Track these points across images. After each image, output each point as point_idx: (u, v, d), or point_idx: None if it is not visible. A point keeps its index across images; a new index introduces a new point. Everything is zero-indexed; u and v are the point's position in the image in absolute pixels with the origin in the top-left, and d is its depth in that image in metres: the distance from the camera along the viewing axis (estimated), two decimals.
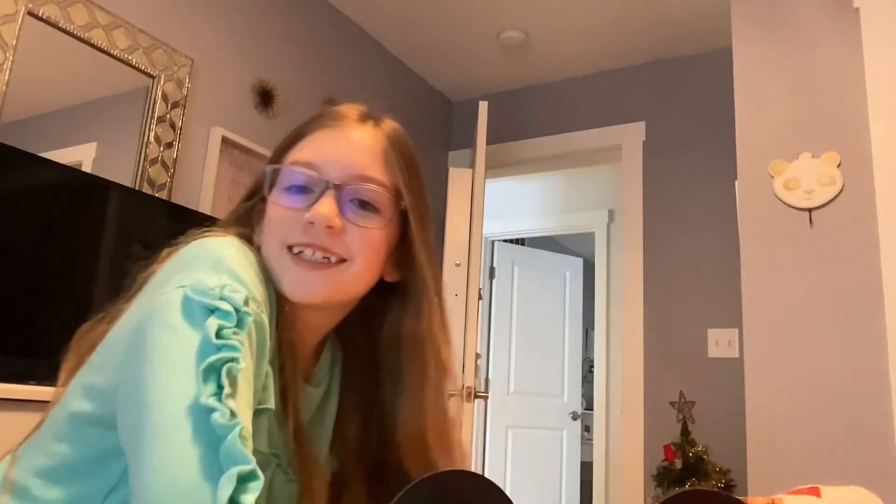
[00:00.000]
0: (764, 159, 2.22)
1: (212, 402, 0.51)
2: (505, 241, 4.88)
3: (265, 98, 2.65)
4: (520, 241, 5.19)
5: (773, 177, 2.19)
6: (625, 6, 2.91)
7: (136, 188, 2.13)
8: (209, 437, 0.50)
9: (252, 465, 0.49)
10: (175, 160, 2.26)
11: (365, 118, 0.77)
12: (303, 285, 0.69)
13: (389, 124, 0.79)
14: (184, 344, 0.55)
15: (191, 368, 0.53)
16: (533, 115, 3.57)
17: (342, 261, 0.71)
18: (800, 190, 2.14)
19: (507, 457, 4.54)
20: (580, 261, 5.03)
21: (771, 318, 2.12)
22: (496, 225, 4.69)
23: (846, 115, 2.13)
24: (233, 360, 0.54)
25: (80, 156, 2.03)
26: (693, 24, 2.99)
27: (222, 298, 0.58)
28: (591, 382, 4.56)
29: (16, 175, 1.69)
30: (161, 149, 2.23)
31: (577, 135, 3.42)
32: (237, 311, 0.58)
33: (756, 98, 2.30)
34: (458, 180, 3.30)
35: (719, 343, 2.88)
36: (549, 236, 5.25)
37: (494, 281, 4.70)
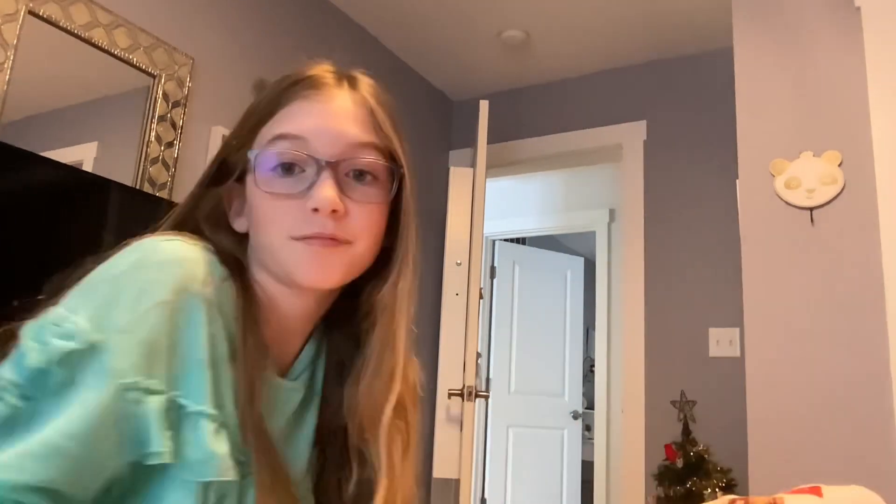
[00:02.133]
0: (765, 158, 2.22)
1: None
2: (506, 240, 4.88)
3: None
4: (520, 241, 5.19)
5: (774, 176, 2.19)
6: (625, 5, 2.90)
7: (137, 187, 2.13)
8: None
9: None
10: (176, 159, 2.26)
11: (340, 80, 0.72)
12: (318, 271, 0.66)
13: (367, 83, 0.74)
14: None
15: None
16: (534, 114, 3.57)
17: (347, 242, 0.67)
18: (801, 189, 2.14)
19: (508, 456, 4.54)
20: (581, 260, 5.03)
21: (772, 318, 2.12)
22: (497, 224, 4.69)
23: (847, 113, 2.13)
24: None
25: (81, 155, 2.03)
26: (694, 23, 2.99)
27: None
28: (592, 382, 4.56)
29: (16, 174, 1.69)
30: (162, 148, 2.23)
31: (578, 134, 3.42)
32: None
33: (757, 97, 2.29)
34: (458, 179, 3.30)
35: (720, 342, 2.88)
36: (549, 235, 5.25)
37: (495, 280, 4.70)
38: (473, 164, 3.23)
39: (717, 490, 2.40)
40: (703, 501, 2.40)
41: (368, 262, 0.71)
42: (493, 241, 4.76)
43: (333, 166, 0.66)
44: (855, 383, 1.96)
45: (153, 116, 2.21)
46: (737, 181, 2.34)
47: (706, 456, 2.54)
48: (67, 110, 2.03)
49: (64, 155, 1.95)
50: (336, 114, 0.69)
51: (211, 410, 0.59)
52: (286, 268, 0.67)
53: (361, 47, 3.19)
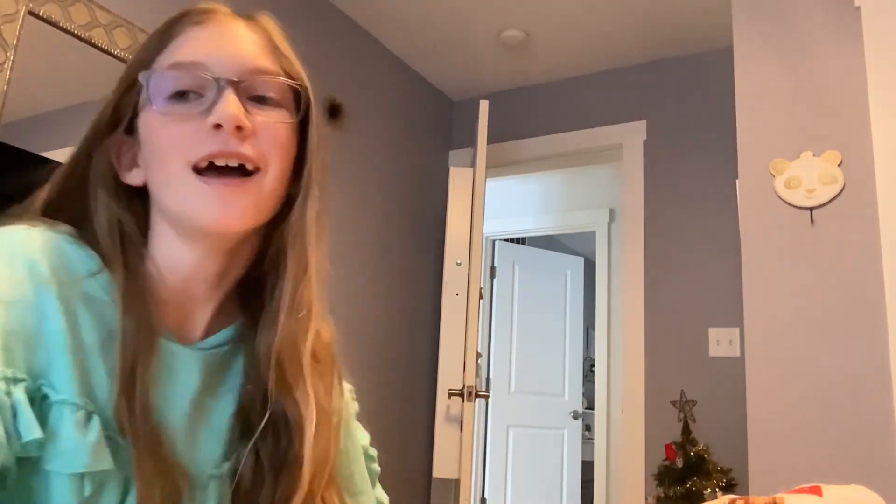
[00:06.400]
0: (765, 158, 2.22)
1: None
2: (506, 240, 4.88)
3: None
4: (520, 241, 5.19)
5: (773, 175, 2.19)
6: (625, 5, 2.90)
7: None
8: None
9: None
10: None
11: (236, 15, 0.68)
12: (224, 209, 0.60)
13: (264, 16, 0.71)
14: None
15: None
16: (533, 114, 3.57)
17: (256, 169, 0.62)
18: (801, 188, 2.14)
19: (508, 456, 4.54)
20: (581, 260, 5.03)
21: (772, 317, 2.12)
22: (497, 224, 4.69)
23: (847, 113, 2.13)
24: None
25: None
26: (694, 22, 2.99)
27: None
28: (592, 381, 4.56)
29: (17, 175, 1.69)
30: None
31: (578, 134, 3.42)
32: None
33: (757, 97, 2.29)
34: (458, 179, 3.30)
35: (720, 342, 2.88)
36: (549, 235, 5.25)
37: (495, 280, 4.70)
38: (473, 164, 3.23)
39: (717, 490, 2.41)
40: (703, 501, 2.40)
41: (277, 200, 0.65)
42: (493, 241, 4.76)
43: (235, 85, 0.62)
44: (855, 383, 1.96)
45: None
46: (737, 181, 2.34)
47: (706, 456, 2.54)
48: (68, 110, 2.03)
49: (64, 155, 1.94)
50: (235, 37, 0.65)
51: (76, 399, 0.55)
52: (187, 206, 0.61)
53: (361, 47, 3.18)
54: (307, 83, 0.68)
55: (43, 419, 0.54)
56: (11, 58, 1.82)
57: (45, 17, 1.90)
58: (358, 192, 3.09)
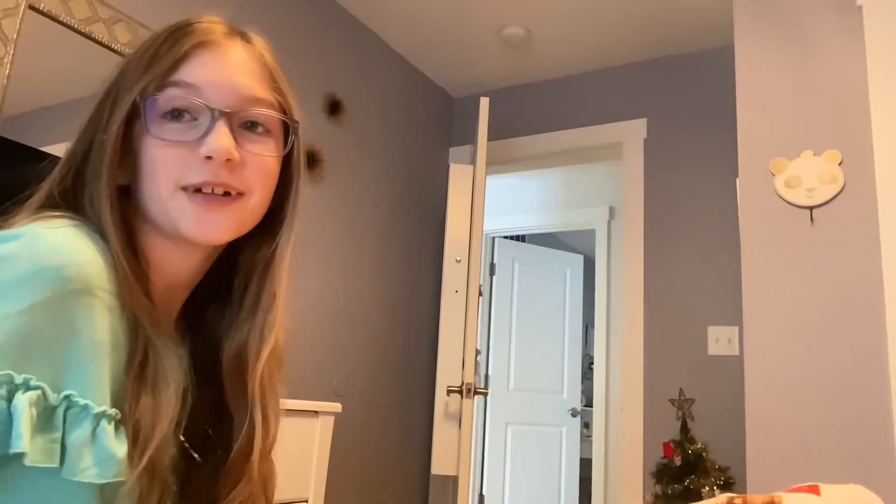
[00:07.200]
0: (765, 157, 2.22)
1: None
2: (505, 237, 4.88)
3: None
4: (520, 238, 5.19)
5: (774, 174, 2.19)
6: (626, 3, 2.90)
7: None
8: None
9: None
10: None
11: (232, 33, 0.71)
12: (208, 225, 0.64)
13: (258, 39, 0.74)
14: None
15: None
16: (534, 111, 3.56)
17: (240, 194, 0.66)
18: (801, 188, 2.14)
19: (507, 453, 4.55)
20: (580, 258, 5.03)
21: (771, 316, 2.12)
22: (497, 221, 4.69)
23: (848, 112, 2.13)
24: None
25: None
26: (695, 21, 2.99)
27: None
28: (591, 379, 4.57)
29: (17, 169, 1.69)
30: None
31: (579, 131, 3.41)
32: None
33: (758, 95, 2.29)
34: (458, 176, 3.29)
35: (719, 341, 2.88)
36: (549, 233, 5.25)
37: (495, 277, 4.70)
38: (473, 161, 3.23)
39: (714, 488, 2.41)
40: (701, 500, 2.41)
41: (259, 218, 0.69)
42: (493, 239, 4.76)
43: (228, 116, 0.65)
44: (854, 382, 1.97)
45: None
46: (737, 180, 2.34)
47: (704, 454, 2.54)
48: (68, 105, 2.02)
49: (64, 150, 1.94)
50: (233, 65, 0.68)
51: (104, 407, 0.53)
52: (173, 220, 0.64)
53: (362, 43, 3.18)
54: (296, 117, 0.72)
55: (60, 427, 0.51)
56: (11, 52, 1.82)
57: (45, 11, 1.90)
58: (358, 188, 3.09)
